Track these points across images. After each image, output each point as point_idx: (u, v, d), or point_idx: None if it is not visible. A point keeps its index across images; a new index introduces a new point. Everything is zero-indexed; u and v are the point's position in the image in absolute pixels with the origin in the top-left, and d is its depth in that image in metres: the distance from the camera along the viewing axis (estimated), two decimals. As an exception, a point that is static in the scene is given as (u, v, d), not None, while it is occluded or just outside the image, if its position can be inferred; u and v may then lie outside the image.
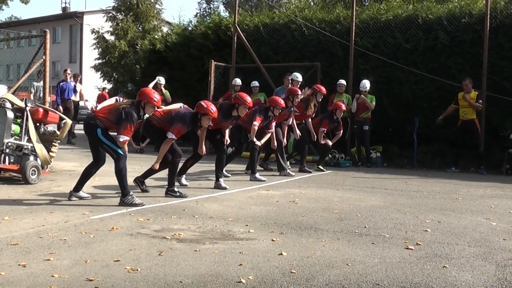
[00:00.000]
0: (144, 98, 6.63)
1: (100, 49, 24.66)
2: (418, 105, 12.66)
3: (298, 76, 11.60)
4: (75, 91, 15.44)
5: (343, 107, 11.08)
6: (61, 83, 15.21)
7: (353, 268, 4.10)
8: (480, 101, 11.38)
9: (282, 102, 9.31)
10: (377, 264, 4.24)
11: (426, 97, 12.67)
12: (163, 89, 13.86)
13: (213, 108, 7.32)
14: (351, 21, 13.28)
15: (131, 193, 6.60)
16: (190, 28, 17.54)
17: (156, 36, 19.31)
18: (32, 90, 13.65)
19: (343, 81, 12.60)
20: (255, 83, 13.50)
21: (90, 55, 29.43)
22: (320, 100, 10.65)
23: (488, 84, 11.79)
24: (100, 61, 24.86)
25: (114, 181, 6.98)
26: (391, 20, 13.32)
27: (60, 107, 14.65)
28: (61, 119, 9.07)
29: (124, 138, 6.42)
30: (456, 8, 12.99)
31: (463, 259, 4.45)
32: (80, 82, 16.20)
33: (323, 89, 10.51)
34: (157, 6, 25.36)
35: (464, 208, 6.92)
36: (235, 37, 14.56)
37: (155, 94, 6.71)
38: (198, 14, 38.48)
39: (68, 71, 15.66)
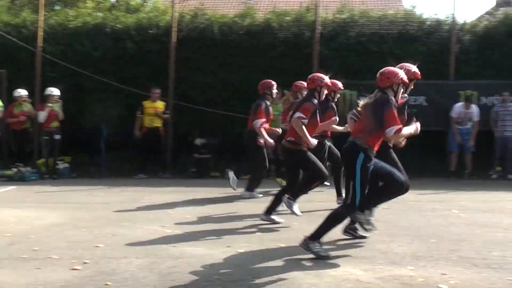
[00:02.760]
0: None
1: None
2: (107, 113, 12.69)
3: None
4: None
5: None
6: None
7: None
8: (168, 111, 12.21)
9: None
10: (38, 292, 4.08)
11: (114, 105, 12.76)
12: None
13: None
14: (38, 26, 12.73)
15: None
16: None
17: None
18: None
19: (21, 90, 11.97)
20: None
21: None
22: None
23: (176, 93, 12.59)
24: None
25: None
26: (80, 27, 13.16)
27: None
28: None
29: (397, 127, 4.98)
30: (145, 19, 13.45)
31: (127, 273, 4.52)
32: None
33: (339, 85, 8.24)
34: None
35: (142, 217, 7.10)
36: None
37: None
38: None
39: None
